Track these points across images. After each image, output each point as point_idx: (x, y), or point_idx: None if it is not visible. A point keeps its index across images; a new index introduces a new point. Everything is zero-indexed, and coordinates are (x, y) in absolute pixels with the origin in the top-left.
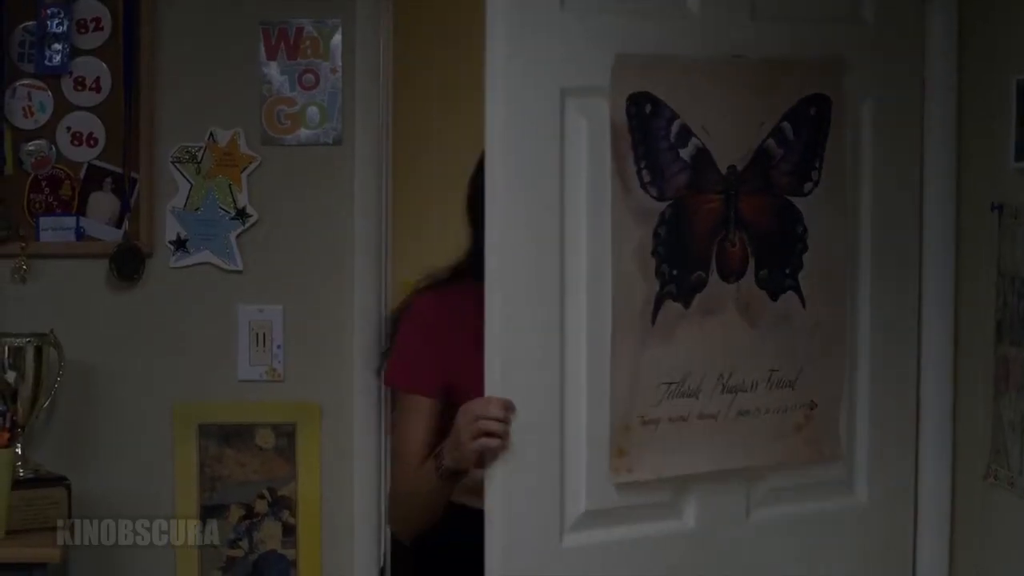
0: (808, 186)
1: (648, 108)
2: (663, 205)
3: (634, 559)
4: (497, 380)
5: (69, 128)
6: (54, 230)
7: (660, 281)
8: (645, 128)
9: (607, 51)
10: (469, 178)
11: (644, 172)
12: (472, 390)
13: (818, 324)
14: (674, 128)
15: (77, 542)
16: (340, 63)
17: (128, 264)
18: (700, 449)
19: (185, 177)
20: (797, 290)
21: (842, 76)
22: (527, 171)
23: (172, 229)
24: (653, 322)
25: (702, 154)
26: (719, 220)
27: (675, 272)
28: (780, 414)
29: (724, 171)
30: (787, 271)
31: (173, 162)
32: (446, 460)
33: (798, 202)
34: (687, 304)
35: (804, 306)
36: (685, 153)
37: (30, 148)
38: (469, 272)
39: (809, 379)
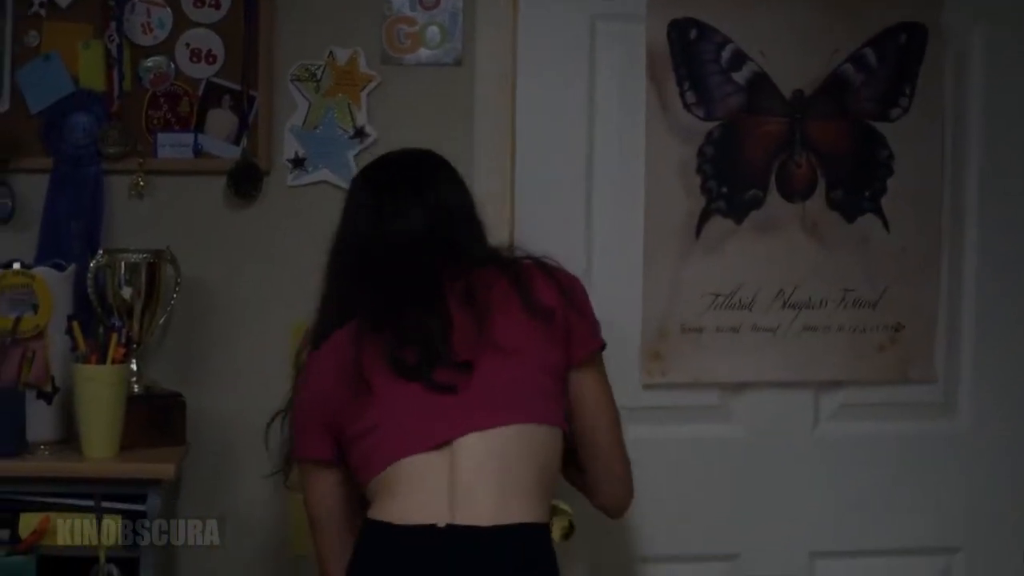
0: (895, 112)
1: (693, 33)
2: (710, 125)
3: (669, 457)
4: None
5: (188, 45)
6: (172, 147)
7: (707, 197)
8: (689, 52)
9: None
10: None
11: (688, 94)
12: (357, 433)
13: (905, 248)
14: (726, 52)
15: (191, 459)
16: None
17: (246, 182)
18: (753, 359)
19: (304, 95)
20: (879, 213)
21: (940, 5)
22: (555, 92)
23: (290, 147)
24: (697, 236)
25: (760, 78)
26: (781, 142)
27: (724, 189)
28: (858, 333)
29: (788, 95)
30: (867, 194)
31: (292, 80)
32: None
33: (882, 127)
34: (739, 220)
35: (888, 229)
36: (739, 76)
37: (148, 64)
38: (336, 320)
39: (895, 301)
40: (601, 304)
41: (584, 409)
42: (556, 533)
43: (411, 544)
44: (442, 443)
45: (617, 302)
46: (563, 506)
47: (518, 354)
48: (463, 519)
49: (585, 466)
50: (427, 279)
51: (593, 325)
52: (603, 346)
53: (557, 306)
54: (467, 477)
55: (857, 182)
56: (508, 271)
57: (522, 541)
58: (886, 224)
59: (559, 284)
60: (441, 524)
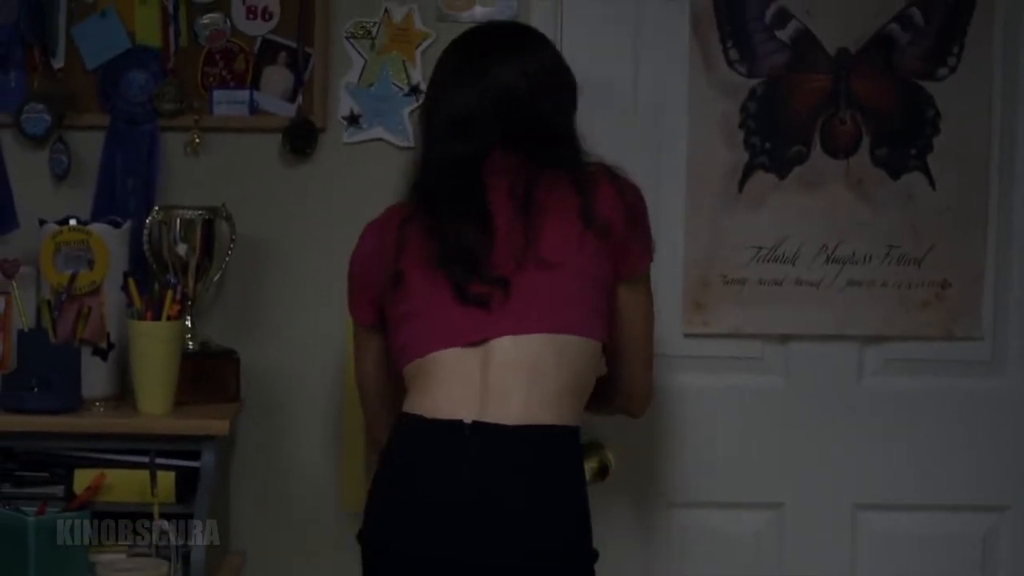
0: (942, 71)
1: None
2: (754, 82)
3: (711, 406)
4: None
5: (244, 2)
6: (227, 104)
7: (750, 152)
8: (733, 10)
9: None
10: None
11: (732, 51)
12: (396, 317)
13: (951, 206)
14: (770, 10)
15: (245, 415)
16: None
17: (301, 139)
18: (796, 312)
19: (359, 53)
20: (924, 171)
21: None
22: (602, 47)
23: (345, 105)
24: (740, 189)
25: (804, 36)
26: (825, 99)
27: (768, 144)
28: (903, 289)
29: (833, 53)
30: (913, 152)
31: (348, 37)
32: None
33: (929, 86)
34: (783, 175)
35: (934, 187)
36: (783, 34)
37: (205, 22)
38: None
39: (941, 258)
40: None
41: (625, 320)
42: (588, 472)
43: (439, 438)
44: (477, 341)
45: (659, 251)
46: (600, 444)
47: (563, 267)
48: (491, 417)
49: (612, 366)
50: (473, 182)
51: (647, 242)
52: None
53: (616, 220)
54: (498, 377)
55: (903, 140)
56: (573, 173)
57: (544, 441)
58: (932, 182)
59: (623, 196)
60: (468, 420)
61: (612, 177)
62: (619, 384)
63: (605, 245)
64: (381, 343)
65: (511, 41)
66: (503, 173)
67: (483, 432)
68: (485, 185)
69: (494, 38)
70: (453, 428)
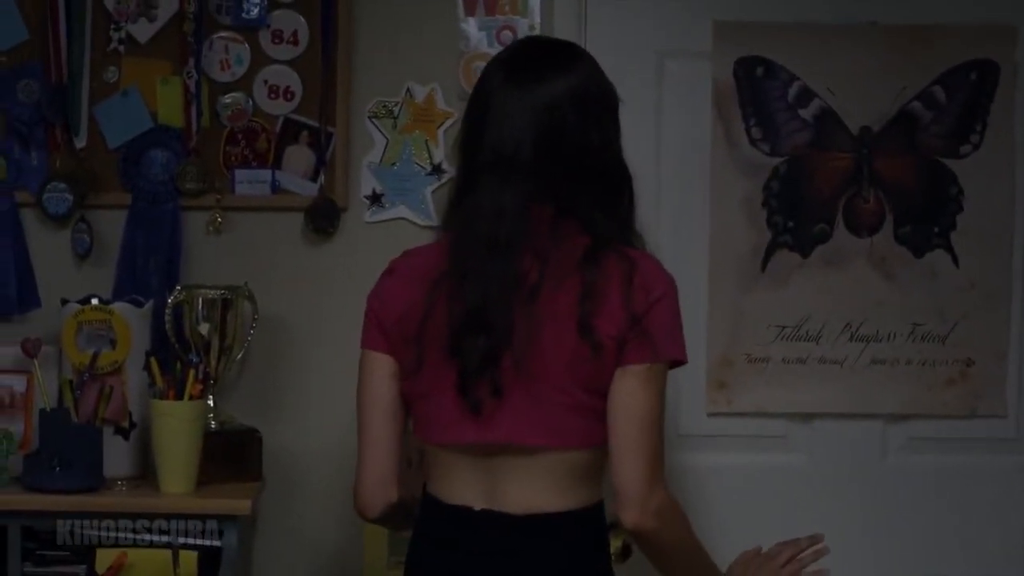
0: (965, 148)
1: (760, 71)
2: (776, 160)
3: (734, 485)
4: None
5: (266, 81)
6: (249, 183)
7: (773, 231)
8: (756, 89)
9: (704, 17)
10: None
11: (754, 129)
12: (411, 387)
13: (975, 284)
14: (792, 89)
15: (267, 494)
16: (539, 20)
17: (323, 218)
18: (820, 391)
19: (381, 132)
20: (948, 249)
21: (1014, 42)
22: (623, 127)
23: (368, 184)
24: (763, 268)
25: (827, 114)
26: (848, 177)
27: (791, 223)
28: (927, 367)
29: (856, 131)
30: (936, 230)
31: (370, 117)
32: None
33: (952, 164)
34: (806, 254)
35: (957, 265)
36: (806, 113)
37: (227, 101)
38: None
39: (965, 336)
40: None
41: (614, 405)
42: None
43: (452, 521)
44: (480, 443)
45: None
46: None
47: (562, 379)
48: (497, 506)
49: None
50: (510, 258)
51: (655, 345)
52: (669, 361)
53: (617, 335)
54: (502, 474)
55: (926, 218)
56: (588, 270)
57: (553, 529)
58: (955, 260)
59: (634, 305)
60: (477, 508)
61: (630, 280)
62: (613, 481)
63: (601, 354)
64: (393, 365)
65: (555, 57)
66: (530, 241)
67: (491, 519)
68: (521, 249)
69: (542, 54)
70: (463, 514)
